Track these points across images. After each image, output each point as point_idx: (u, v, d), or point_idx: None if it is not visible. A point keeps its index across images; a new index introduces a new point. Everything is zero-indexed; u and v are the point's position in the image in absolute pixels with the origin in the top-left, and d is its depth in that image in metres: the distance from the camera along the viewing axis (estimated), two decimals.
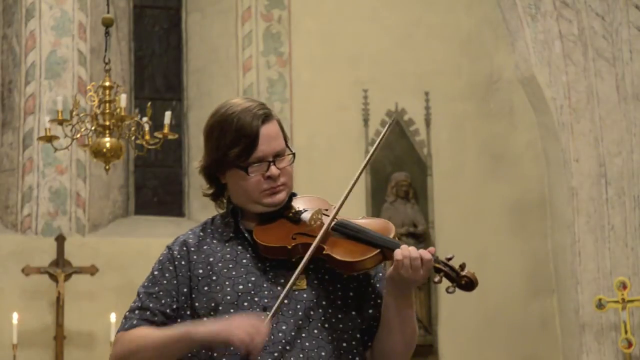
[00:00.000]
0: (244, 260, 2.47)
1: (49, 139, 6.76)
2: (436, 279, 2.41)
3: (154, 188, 9.01)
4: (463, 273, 2.38)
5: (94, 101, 6.71)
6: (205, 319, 2.42)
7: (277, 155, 2.49)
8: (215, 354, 2.40)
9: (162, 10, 9.30)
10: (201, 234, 2.55)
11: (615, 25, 8.39)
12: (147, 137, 6.76)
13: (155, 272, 2.54)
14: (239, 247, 2.49)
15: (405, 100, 8.68)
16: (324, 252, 2.41)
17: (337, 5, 8.76)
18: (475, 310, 8.19)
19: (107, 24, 6.90)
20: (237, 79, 8.64)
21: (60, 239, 7.82)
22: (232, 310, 2.40)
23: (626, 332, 7.72)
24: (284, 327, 2.39)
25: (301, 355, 2.38)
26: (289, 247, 2.42)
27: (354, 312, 2.48)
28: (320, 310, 2.43)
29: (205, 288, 2.45)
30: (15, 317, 7.38)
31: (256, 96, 8.56)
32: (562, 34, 8.50)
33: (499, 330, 8.46)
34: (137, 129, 6.80)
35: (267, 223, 2.50)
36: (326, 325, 2.43)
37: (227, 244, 2.51)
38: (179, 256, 2.52)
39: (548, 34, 8.55)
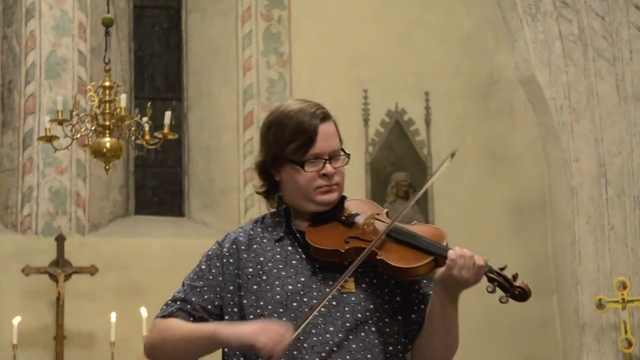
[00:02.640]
0: (294, 261, 2.49)
1: (49, 139, 6.75)
2: (489, 289, 2.42)
3: (154, 188, 9.00)
4: (516, 284, 2.40)
5: (94, 101, 6.70)
6: (251, 316, 2.44)
7: (333, 155, 2.52)
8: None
9: (162, 10, 9.30)
10: (251, 232, 2.57)
11: (615, 25, 8.39)
12: (147, 137, 6.75)
13: (203, 266, 2.56)
14: (290, 248, 2.52)
15: (405, 100, 8.68)
16: (377, 257, 2.41)
17: (337, 5, 8.76)
18: (475, 310, 8.19)
19: (107, 24, 6.90)
20: (237, 79, 8.63)
21: (60, 239, 7.81)
22: (281, 310, 2.43)
23: (626, 332, 7.72)
24: (331, 329, 2.42)
25: (347, 357, 2.41)
26: (342, 250, 2.43)
27: (400, 317, 2.51)
28: (367, 314, 2.45)
29: (255, 287, 2.48)
30: (15, 317, 7.37)
31: (256, 96, 8.56)
32: (562, 34, 8.51)
33: (499, 330, 8.45)
34: (137, 129, 6.80)
35: (319, 224, 2.51)
36: (373, 329, 2.45)
37: (277, 244, 2.53)
38: (227, 254, 2.54)
39: (548, 34, 8.54)
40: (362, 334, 2.43)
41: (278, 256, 2.50)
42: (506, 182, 8.74)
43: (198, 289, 2.51)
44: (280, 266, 2.48)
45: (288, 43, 8.70)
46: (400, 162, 8.60)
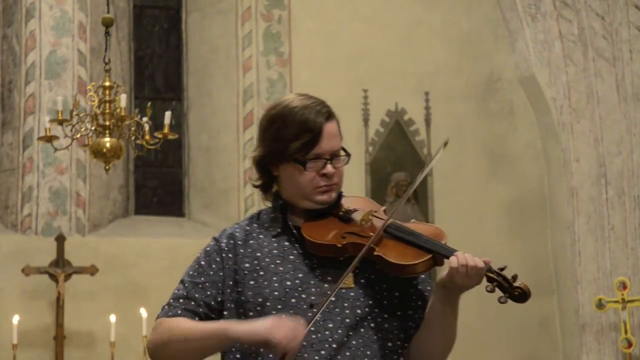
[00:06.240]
0: (291, 257, 2.48)
1: (49, 139, 6.75)
2: (488, 288, 2.42)
3: (154, 188, 9.01)
4: (516, 284, 2.40)
5: (94, 101, 6.70)
6: (251, 313, 2.42)
7: (334, 155, 2.51)
8: (261, 349, 2.40)
9: (162, 10, 9.30)
10: (247, 228, 2.56)
11: (615, 25, 8.39)
12: (147, 137, 6.75)
13: (202, 262, 2.53)
14: (286, 243, 2.50)
15: (405, 100, 8.67)
16: (375, 253, 2.40)
17: (337, 5, 8.76)
18: (475, 310, 8.19)
19: (107, 24, 6.90)
20: (237, 79, 8.63)
21: (60, 239, 7.81)
22: (279, 307, 2.41)
23: (626, 332, 7.72)
24: (330, 325, 2.40)
25: (347, 354, 2.39)
26: (339, 245, 2.42)
27: (399, 313, 2.49)
28: (366, 309, 2.44)
29: (252, 282, 2.46)
30: (15, 317, 7.38)
31: (256, 96, 8.56)
32: (562, 34, 8.51)
33: (499, 330, 8.45)
34: (137, 129, 6.80)
35: (315, 219, 2.50)
36: (372, 325, 2.44)
37: (274, 240, 2.51)
38: (226, 248, 2.52)
39: (548, 34, 8.55)
40: (362, 330, 2.41)
41: (275, 252, 2.48)
42: (506, 182, 8.74)
43: (200, 285, 2.48)
44: (278, 262, 2.47)
45: (288, 43, 8.70)
46: (400, 162, 8.59)
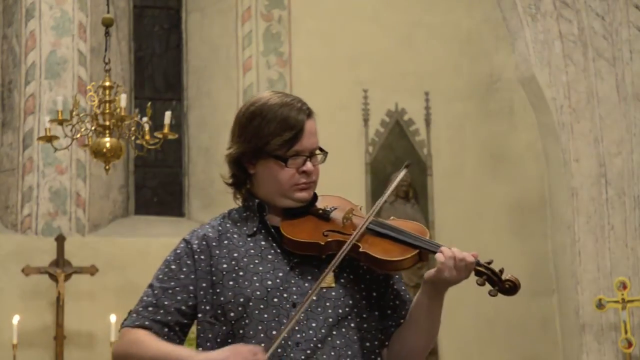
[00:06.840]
0: (270, 256, 2.45)
1: (49, 139, 6.76)
2: (479, 282, 2.43)
3: (154, 188, 9.01)
4: (505, 277, 2.40)
5: (94, 101, 6.71)
6: (232, 313, 2.40)
7: (313, 152, 2.50)
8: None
9: (162, 10, 9.31)
10: (220, 228, 2.53)
11: (615, 25, 8.39)
12: (147, 137, 6.76)
13: (172, 266, 2.50)
14: (263, 242, 2.48)
15: (405, 100, 8.68)
16: (360, 250, 2.40)
17: (337, 5, 8.76)
18: (475, 310, 8.19)
19: (107, 24, 6.90)
20: (237, 79, 8.63)
21: (60, 239, 7.81)
22: (262, 306, 2.38)
23: (626, 332, 7.72)
24: (314, 325, 2.39)
25: (332, 353, 2.38)
26: (322, 243, 2.42)
27: (376, 313, 2.50)
28: (347, 309, 2.43)
29: (231, 283, 2.42)
30: (15, 317, 7.38)
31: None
32: (562, 34, 8.51)
33: (499, 330, 8.46)
34: (137, 129, 6.80)
35: (294, 218, 2.49)
36: (352, 324, 2.43)
37: (249, 239, 2.48)
38: (198, 250, 2.49)
39: (548, 34, 8.55)
40: (343, 329, 2.41)
41: (252, 251, 2.46)
42: (506, 182, 8.74)
43: (170, 291, 2.46)
44: (257, 261, 2.44)
45: (288, 43, 8.70)
46: (400, 162, 8.54)
